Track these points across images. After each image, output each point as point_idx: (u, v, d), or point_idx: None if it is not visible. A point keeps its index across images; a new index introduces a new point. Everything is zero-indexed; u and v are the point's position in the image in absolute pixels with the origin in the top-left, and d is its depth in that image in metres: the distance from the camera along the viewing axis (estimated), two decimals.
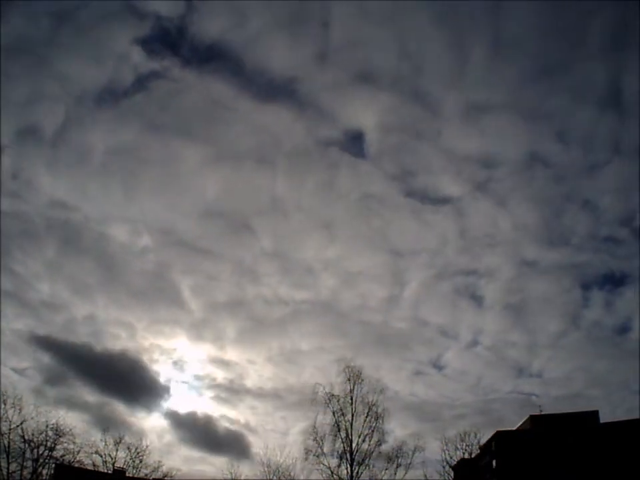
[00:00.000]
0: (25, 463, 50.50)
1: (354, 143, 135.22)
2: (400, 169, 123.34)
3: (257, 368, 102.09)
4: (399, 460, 48.53)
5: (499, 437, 60.25)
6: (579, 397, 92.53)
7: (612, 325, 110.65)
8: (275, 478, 54.57)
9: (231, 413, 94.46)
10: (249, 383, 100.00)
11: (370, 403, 49.02)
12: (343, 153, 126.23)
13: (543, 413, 61.77)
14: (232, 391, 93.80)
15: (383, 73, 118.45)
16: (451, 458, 62.44)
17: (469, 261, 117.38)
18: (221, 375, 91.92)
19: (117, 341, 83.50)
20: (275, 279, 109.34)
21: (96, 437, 59.14)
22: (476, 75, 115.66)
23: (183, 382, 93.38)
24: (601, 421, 57.66)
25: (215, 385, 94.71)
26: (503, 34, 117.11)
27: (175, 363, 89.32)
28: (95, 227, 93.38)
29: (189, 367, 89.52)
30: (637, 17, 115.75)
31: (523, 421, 63.38)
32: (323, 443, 48.10)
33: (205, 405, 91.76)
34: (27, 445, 50.72)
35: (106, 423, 59.81)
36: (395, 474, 48.36)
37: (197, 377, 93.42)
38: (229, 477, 59.85)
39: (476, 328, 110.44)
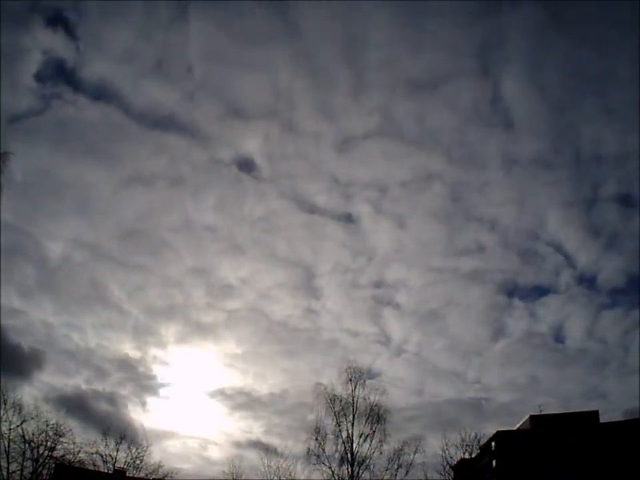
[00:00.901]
0: (25, 463, 50.41)
1: (248, 165, 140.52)
2: (293, 191, 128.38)
3: (199, 369, 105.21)
4: (400, 460, 48.59)
5: (499, 437, 60.35)
6: (524, 403, 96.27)
7: (542, 333, 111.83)
8: (275, 478, 54.62)
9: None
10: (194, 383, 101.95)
11: (371, 404, 49.08)
12: (241, 173, 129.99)
13: (542, 413, 61.97)
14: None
15: (257, 106, 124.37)
16: (451, 458, 62.57)
17: (380, 272, 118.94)
18: (162, 375, 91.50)
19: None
20: (203, 291, 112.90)
21: (96, 437, 59.04)
22: (345, 106, 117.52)
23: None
24: (601, 421, 57.87)
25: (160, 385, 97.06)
26: (368, 56, 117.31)
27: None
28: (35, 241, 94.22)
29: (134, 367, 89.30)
30: (507, 33, 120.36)
31: (523, 421, 63.50)
32: (324, 444, 48.17)
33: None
34: (27, 445, 50.58)
35: None
36: (396, 474, 48.45)
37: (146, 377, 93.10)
38: (229, 477, 59.85)
39: (401, 336, 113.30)
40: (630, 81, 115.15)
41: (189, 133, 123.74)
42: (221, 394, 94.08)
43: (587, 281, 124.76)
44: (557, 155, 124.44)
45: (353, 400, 49.07)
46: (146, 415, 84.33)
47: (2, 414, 49.82)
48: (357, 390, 49.36)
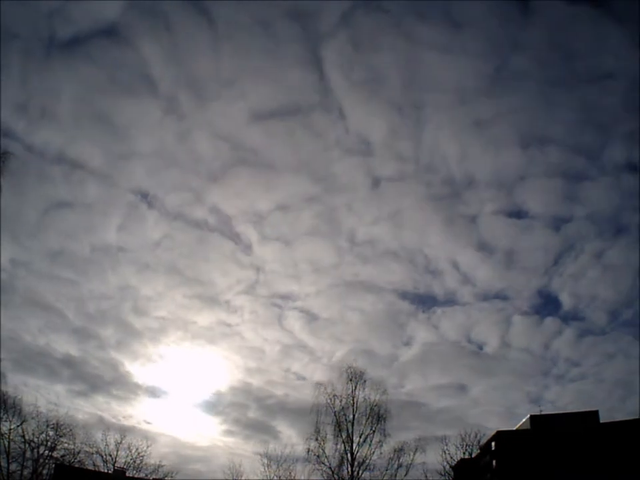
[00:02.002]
0: (25, 463, 50.46)
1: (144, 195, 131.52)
2: (184, 215, 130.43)
3: (140, 369, 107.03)
4: (400, 460, 48.52)
5: (499, 437, 60.41)
6: (462, 409, 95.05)
7: (458, 341, 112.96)
8: (275, 478, 54.56)
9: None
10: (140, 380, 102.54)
11: (372, 404, 49.03)
12: (140, 202, 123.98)
13: (542, 412, 62.04)
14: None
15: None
16: (451, 458, 62.61)
17: (277, 286, 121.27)
18: (111, 374, 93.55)
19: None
20: (130, 302, 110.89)
21: (96, 436, 59.09)
22: None
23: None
24: (601, 421, 57.90)
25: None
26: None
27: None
28: None
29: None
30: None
31: (523, 420, 63.54)
32: (324, 444, 48.11)
33: None
34: (27, 445, 50.63)
35: None
36: (396, 474, 48.36)
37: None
38: (229, 477, 59.81)
39: (314, 342, 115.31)
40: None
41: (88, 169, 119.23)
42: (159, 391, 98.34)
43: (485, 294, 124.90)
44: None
45: (352, 400, 49.07)
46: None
47: (2, 414, 49.80)
48: (356, 390, 49.36)
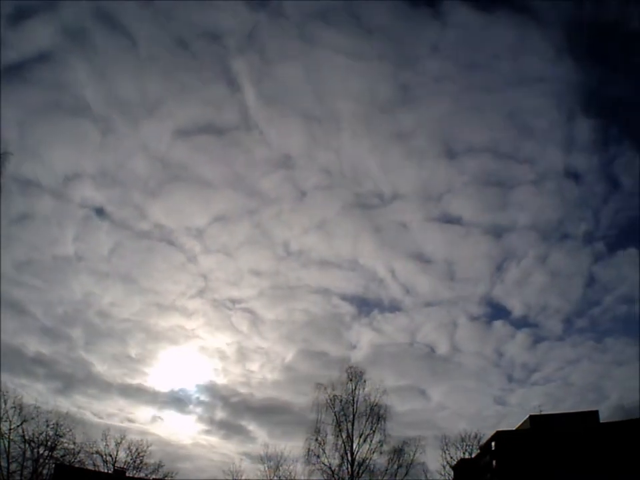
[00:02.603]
0: (25, 463, 50.31)
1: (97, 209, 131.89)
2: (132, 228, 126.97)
3: (109, 368, 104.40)
4: (400, 460, 48.55)
5: (499, 437, 60.41)
6: (428, 412, 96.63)
7: (408, 343, 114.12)
8: (275, 478, 54.61)
9: None
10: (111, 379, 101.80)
11: (372, 404, 49.07)
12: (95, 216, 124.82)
13: (542, 413, 62.01)
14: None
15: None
16: (451, 458, 62.65)
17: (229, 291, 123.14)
18: (82, 373, 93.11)
19: None
20: (95, 306, 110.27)
21: (96, 436, 59.07)
22: None
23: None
24: (601, 421, 57.93)
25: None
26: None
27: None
28: None
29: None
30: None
31: (522, 420, 63.54)
32: (324, 443, 48.16)
33: None
34: (27, 445, 50.53)
35: None
36: (396, 474, 48.39)
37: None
38: (229, 477, 59.88)
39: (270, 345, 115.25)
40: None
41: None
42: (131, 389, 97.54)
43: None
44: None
45: (353, 400, 49.12)
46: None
47: (2, 414, 49.80)
48: (357, 390, 49.41)
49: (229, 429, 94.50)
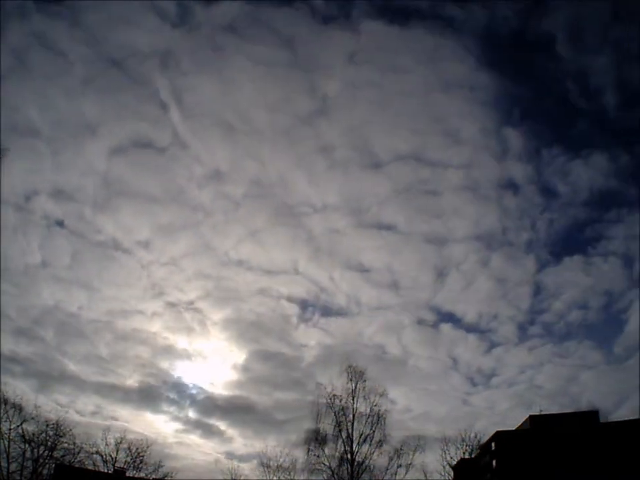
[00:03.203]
0: (25, 463, 50.44)
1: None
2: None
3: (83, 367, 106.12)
4: (400, 460, 48.51)
5: (499, 436, 60.41)
6: (395, 414, 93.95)
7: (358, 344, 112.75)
8: (275, 478, 54.61)
9: None
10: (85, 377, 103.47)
11: (372, 404, 49.02)
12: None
13: (542, 412, 61.96)
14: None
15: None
16: (451, 458, 62.59)
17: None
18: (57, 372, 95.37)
19: None
20: (62, 308, 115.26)
21: (96, 436, 59.10)
22: None
23: None
24: (601, 421, 57.90)
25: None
26: None
27: None
28: None
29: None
30: None
31: (522, 420, 63.52)
32: (324, 443, 48.08)
33: None
34: (27, 445, 50.62)
35: None
36: (396, 474, 48.36)
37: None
38: (229, 476, 59.91)
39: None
40: None
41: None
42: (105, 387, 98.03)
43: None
44: None
45: (353, 400, 49.05)
46: None
47: (2, 414, 49.83)
48: (356, 390, 49.34)
49: (203, 427, 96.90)
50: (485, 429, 77.57)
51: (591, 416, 57.96)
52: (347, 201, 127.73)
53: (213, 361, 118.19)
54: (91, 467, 56.63)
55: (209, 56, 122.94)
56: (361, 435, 48.24)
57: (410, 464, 48.80)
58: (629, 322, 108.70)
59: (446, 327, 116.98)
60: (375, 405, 48.88)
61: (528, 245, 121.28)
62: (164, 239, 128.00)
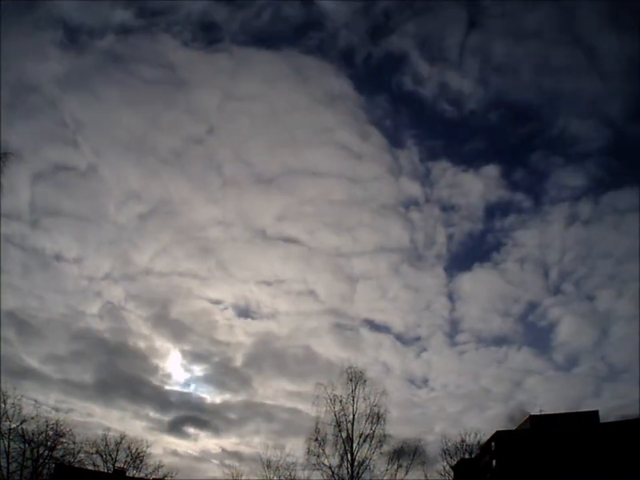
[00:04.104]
0: (25, 463, 50.19)
1: None
2: None
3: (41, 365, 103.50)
4: (400, 460, 48.50)
5: (499, 437, 60.48)
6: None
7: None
8: (275, 478, 54.55)
9: None
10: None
11: (371, 404, 49.00)
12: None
13: (542, 412, 61.99)
14: None
15: None
16: (451, 458, 62.63)
17: None
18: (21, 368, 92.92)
19: None
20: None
21: (96, 436, 59.08)
22: None
23: None
24: (601, 421, 57.91)
25: None
26: None
27: None
28: None
29: None
30: None
31: (522, 420, 63.54)
32: (324, 443, 48.08)
33: None
34: (27, 445, 50.44)
35: None
36: (396, 474, 48.35)
37: None
38: (229, 476, 59.86)
39: None
40: None
41: None
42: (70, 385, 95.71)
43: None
44: None
45: (353, 400, 49.02)
46: None
47: (2, 414, 49.73)
48: (356, 390, 49.31)
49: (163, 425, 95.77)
50: (444, 430, 79.00)
51: (590, 416, 57.97)
52: (244, 216, 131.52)
53: (163, 360, 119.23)
54: (91, 467, 56.62)
55: (101, 80, 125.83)
56: (361, 435, 48.24)
57: (410, 464, 48.89)
58: (557, 329, 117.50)
59: (366, 332, 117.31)
60: (375, 405, 48.91)
61: (436, 256, 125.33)
62: (95, 253, 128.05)
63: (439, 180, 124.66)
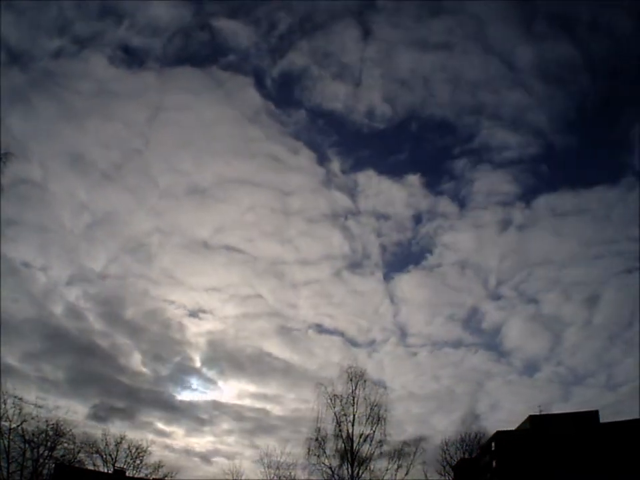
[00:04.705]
0: (25, 463, 50.09)
1: None
2: None
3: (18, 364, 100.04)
4: (400, 460, 48.52)
5: (499, 436, 60.52)
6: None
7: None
8: (275, 478, 54.55)
9: None
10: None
11: (372, 404, 49.00)
12: None
13: (542, 412, 62.02)
14: None
15: None
16: (451, 458, 62.66)
17: None
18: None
19: None
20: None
21: (96, 436, 59.05)
22: None
23: None
24: (601, 421, 57.94)
25: None
26: None
27: None
28: None
29: None
30: None
31: (522, 420, 63.55)
32: (324, 443, 48.11)
33: None
34: (27, 445, 50.34)
35: None
36: (396, 474, 48.37)
37: None
38: (229, 476, 59.83)
39: None
40: None
41: None
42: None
43: None
44: None
45: (353, 400, 49.01)
46: None
47: (2, 414, 49.69)
48: (357, 390, 49.31)
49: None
50: (418, 430, 79.37)
51: (590, 416, 57.99)
52: (182, 226, 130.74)
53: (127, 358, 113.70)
54: (91, 467, 56.61)
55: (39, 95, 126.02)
56: (361, 435, 48.26)
57: (410, 464, 48.90)
58: (507, 333, 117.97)
59: (315, 335, 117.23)
60: (375, 405, 48.93)
61: (374, 264, 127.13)
62: (57, 260, 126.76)
63: (365, 190, 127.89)
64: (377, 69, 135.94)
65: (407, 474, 48.50)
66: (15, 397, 50.62)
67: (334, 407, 48.78)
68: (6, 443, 49.39)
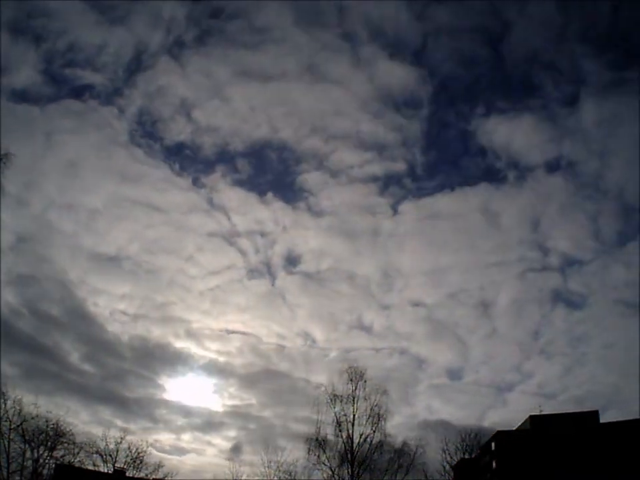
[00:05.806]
0: (25, 463, 50.16)
1: None
2: None
3: None
4: (401, 460, 48.47)
5: (499, 437, 60.49)
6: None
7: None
8: (275, 478, 54.47)
9: None
10: None
11: (372, 404, 49.00)
12: None
13: (542, 412, 62.02)
14: None
15: None
16: (451, 458, 62.67)
17: None
18: None
19: None
20: None
21: (96, 436, 58.97)
22: None
23: None
24: (601, 421, 57.95)
25: None
26: None
27: None
28: None
29: None
30: None
31: (522, 420, 63.54)
32: (324, 443, 48.09)
33: None
34: (27, 445, 50.39)
35: None
36: (396, 475, 48.32)
37: None
38: (229, 476, 59.73)
39: None
40: None
41: None
42: None
43: None
44: None
45: (353, 400, 49.03)
46: None
47: (2, 414, 49.67)
48: (357, 390, 49.33)
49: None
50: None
51: (590, 416, 58.01)
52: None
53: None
54: (91, 467, 56.54)
55: None
56: (361, 435, 48.27)
57: (410, 464, 48.83)
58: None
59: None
60: (376, 405, 48.92)
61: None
62: None
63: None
64: None
65: (406, 474, 48.50)
66: (15, 397, 50.84)
67: (334, 407, 48.85)
68: (6, 443, 49.41)
